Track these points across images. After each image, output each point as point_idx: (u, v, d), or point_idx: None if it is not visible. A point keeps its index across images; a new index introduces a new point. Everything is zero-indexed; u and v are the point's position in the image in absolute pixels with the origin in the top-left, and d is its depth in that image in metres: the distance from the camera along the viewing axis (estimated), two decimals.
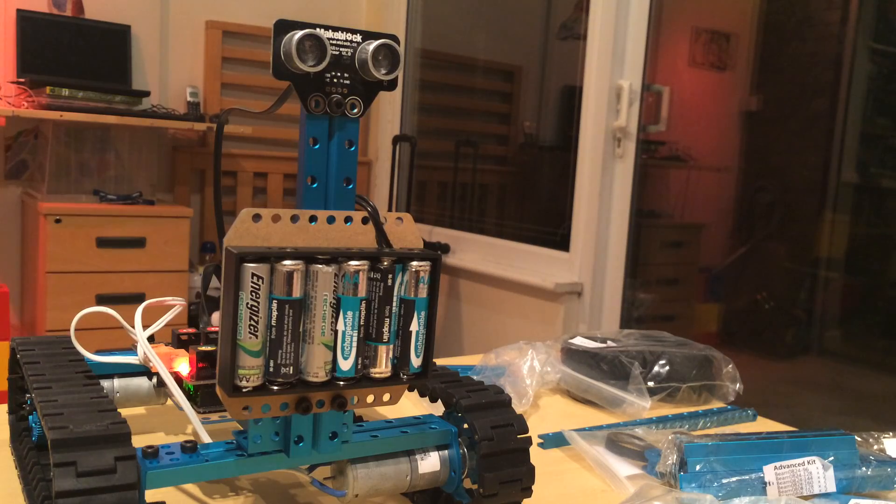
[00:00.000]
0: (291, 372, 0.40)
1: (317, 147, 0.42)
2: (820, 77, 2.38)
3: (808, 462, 0.59)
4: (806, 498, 0.58)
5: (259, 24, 2.99)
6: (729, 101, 2.72)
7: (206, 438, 0.47)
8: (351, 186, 0.44)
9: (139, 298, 2.37)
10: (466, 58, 3.22)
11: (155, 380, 0.58)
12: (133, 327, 0.56)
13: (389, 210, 2.90)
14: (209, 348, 0.55)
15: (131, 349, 0.58)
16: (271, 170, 3.07)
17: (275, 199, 3.11)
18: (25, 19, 2.52)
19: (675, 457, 0.60)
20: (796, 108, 2.46)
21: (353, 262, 0.41)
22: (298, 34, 0.39)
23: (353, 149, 0.43)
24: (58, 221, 2.30)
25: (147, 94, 2.61)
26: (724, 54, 2.70)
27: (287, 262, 0.39)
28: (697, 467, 0.58)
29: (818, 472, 0.58)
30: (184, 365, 0.56)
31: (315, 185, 0.43)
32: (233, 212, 3.05)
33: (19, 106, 2.38)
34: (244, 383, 0.39)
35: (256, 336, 0.39)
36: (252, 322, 0.39)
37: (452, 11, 3.24)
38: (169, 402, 0.59)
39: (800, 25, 2.48)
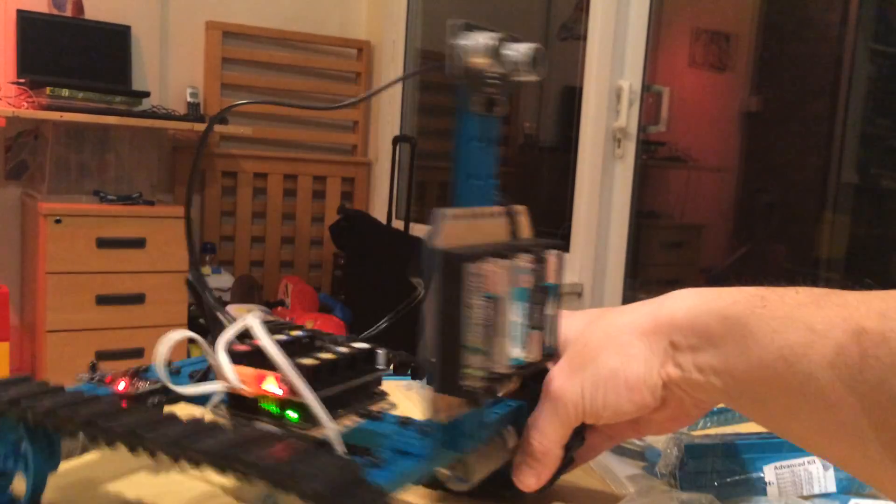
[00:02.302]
0: (497, 366, 0.43)
1: (477, 144, 0.45)
2: (820, 78, 2.38)
3: (809, 462, 0.59)
4: (806, 498, 0.59)
5: (259, 24, 2.99)
6: (729, 102, 2.72)
7: (341, 448, 0.44)
8: (497, 182, 0.47)
9: (139, 299, 2.36)
10: None
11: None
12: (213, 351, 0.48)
13: (389, 211, 2.91)
14: (310, 362, 0.45)
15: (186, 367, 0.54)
16: (271, 170, 3.07)
17: (275, 200, 3.11)
18: (25, 19, 2.52)
19: (675, 457, 0.60)
20: (796, 108, 2.47)
21: (523, 255, 0.44)
22: (486, 39, 0.42)
23: (497, 146, 0.47)
24: (58, 222, 2.30)
25: (147, 94, 2.61)
26: (725, 55, 2.70)
27: (494, 260, 0.41)
28: (697, 467, 0.58)
29: (818, 472, 0.58)
30: (271, 384, 0.46)
31: (478, 183, 0.45)
32: (233, 212, 3.05)
33: (19, 106, 2.38)
34: (468, 382, 0.41)
35: (477, 335, 0.41)
36: (473, 321, 0.41)
37: (452, 12, 3.24)
38: None
39: (800, 26, 2.48)
